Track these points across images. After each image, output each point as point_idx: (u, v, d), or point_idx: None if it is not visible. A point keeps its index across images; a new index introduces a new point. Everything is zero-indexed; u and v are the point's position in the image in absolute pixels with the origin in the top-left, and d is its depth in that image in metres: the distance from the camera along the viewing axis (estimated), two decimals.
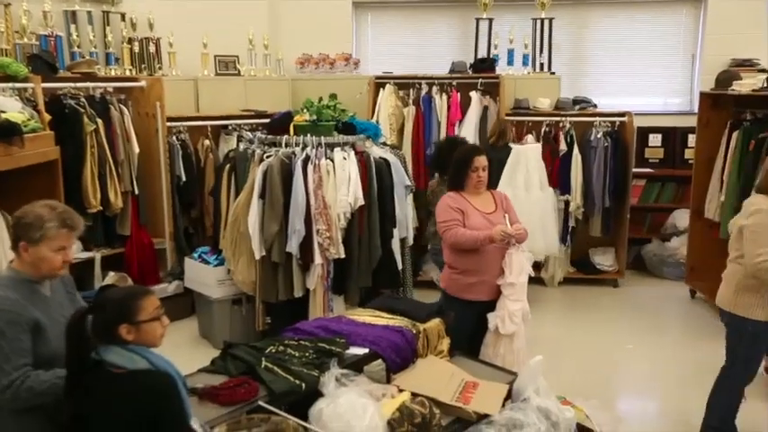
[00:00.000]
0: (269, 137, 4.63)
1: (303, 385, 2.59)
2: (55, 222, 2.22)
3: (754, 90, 5.04)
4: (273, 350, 2.83)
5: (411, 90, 6.07)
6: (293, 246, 4.29)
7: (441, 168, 4.69)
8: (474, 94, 6.02)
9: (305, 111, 4.69)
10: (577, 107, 6.21)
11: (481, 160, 3.71)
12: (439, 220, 3.72)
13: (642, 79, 6.95)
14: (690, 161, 6.28)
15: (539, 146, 5.83)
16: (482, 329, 3.68)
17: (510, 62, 6.50)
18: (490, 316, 3.63)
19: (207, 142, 5.84)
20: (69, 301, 2.38)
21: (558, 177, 5.99)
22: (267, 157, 4.43)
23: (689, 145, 6.58)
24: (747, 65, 6.33)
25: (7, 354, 2.09)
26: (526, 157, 5.65)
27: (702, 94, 5.84)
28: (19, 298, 2.16)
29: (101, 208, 5.02)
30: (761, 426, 3.77)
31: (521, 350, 3.66)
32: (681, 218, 6.43)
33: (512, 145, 5.73)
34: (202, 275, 4.89)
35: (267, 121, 5.33)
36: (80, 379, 2.05)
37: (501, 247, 3.58)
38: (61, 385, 2.11)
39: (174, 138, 5.60)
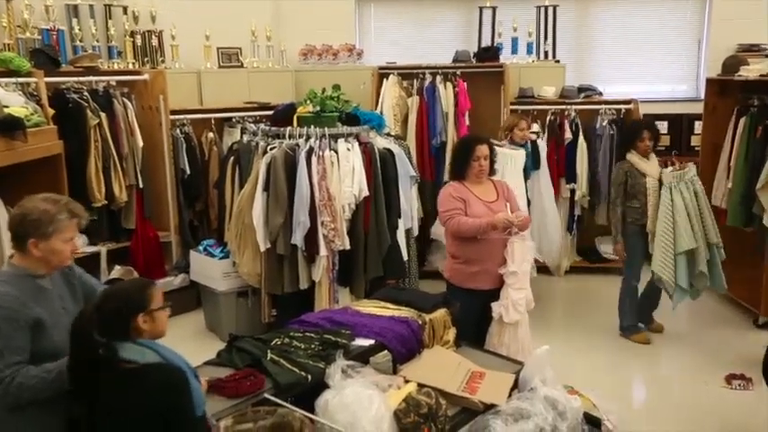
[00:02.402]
0: (272, 129, 4.62)
1: (309, 377, 2.59)
2: (65, 214, 2.24)
3: (761, 75, 4.99)
4: (279, 342, 2.83)
5: (415, 80, 6.01)
6: (298, 238, 4.29)
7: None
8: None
9: (308, 102, 4.67)
10: (582, 95, 6.16)
11: (483, 149, 3.71)
12: (441, 210, 3.72)
13: (648, 66, 6.90)
14: (696, 148, 6.23)
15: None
16: (487, 319, 3.68)
17: (514, 51, 6.46)
18: (494, 305, 3.64)
19: (210, 135, 5.83)
20: (70, 293, 2.38)
21: (564, 166, 5.97)
22: (271, 149, 4.42)
23: (695, 132, 6.51)
24: (754, 50, 6.27)
25: (0, 350, 2.08)
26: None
27: (709, 81, 5.78)
28: (19, 294, 2.15)
29: (105, 202, 5.03)
30: None
31: (525, 339, 3.67)
32: None
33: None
34: (208, 268, 4.89)
35: (271, 112, 5.31)
36: (89, 377, 2.02)
37: (503, 236, 3.57)
38: (49, 379, 2.11)
39: (178, 131, 5.60)
